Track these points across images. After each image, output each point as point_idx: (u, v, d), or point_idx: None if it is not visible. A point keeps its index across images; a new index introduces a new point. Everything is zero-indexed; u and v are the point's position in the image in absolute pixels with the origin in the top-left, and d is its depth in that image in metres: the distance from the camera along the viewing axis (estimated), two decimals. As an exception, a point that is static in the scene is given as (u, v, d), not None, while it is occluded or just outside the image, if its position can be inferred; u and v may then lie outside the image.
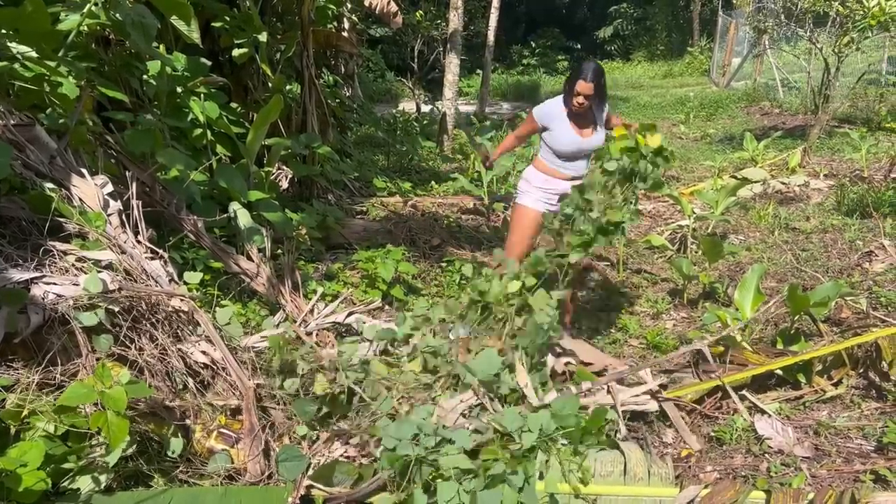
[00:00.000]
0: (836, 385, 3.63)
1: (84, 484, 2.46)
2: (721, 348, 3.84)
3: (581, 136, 4.27)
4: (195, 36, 4.39)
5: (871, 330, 3.80)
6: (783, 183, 8.41)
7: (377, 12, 9.48)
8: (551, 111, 4.31)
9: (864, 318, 4.35)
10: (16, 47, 3.43)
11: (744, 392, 3.55)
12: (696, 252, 6.16)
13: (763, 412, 3.41)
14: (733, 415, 3.42)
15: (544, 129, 4.34)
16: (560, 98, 4.31)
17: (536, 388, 3.25)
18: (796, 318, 4.13)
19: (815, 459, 3.08)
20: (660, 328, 4.74)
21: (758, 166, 9.32)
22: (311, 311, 4.33)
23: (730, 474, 3.03)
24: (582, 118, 4.29)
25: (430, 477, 2.64)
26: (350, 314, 4.20)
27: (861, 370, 3.66)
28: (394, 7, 9.55)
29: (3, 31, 3.40)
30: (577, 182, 4.16)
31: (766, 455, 3.13)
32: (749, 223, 7.16)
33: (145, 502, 2.48)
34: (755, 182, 8.32)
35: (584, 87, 4.13)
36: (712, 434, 3.33)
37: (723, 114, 16.28)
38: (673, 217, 7.61)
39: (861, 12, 10.33)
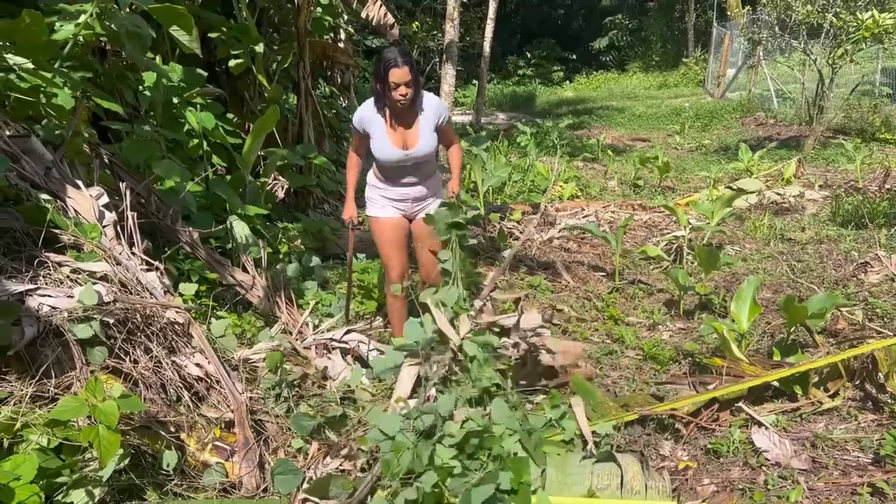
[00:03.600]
0: (832, 397, 3.62)
1: (78, 498, 2.44)
2: (718, 360, 3.84)
3: (403, 146, 3.79)
4: (196, 46, 4.40)
5: (867, 341, 3.79)
6: (778, 194, 8.44)
7: (374, 24, 9.51)
8: (369, 117, 3.79)
9: (860, 329, 4.35)
10: (12, 58, 3.42)
11: (740, 404, 3.55)
12: (691, 263, 6.16)
13: (760, 424, 3.40)
14: (730, 427, 3.41)
15: (367, 135, 3.85)
16: (372, 101, 3.76)
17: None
18: (792, 329, 4.13)
19: (813, 472, 3.07)
20: (656, 339, 4.73)
21: (753, 177, 9.36)
22: (307, 322, 4.33)
23: (727, 487, 3.02)
24: (405, 118, 3.76)
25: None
26: (348, 332, 4.19)
27: (857, 382, 3.65)
28: (391, 19, 9.58)
29: (0, 42, 3.40)
30: (417, 186, 3.92)
31: (764, 468, 3.12)
32: (745, 234, 7.17)
33: (139, 517, 2.46)
34: (750, 193, 8.35)
35: (399, 73, 3.52)
36: (709, 446, 3.32)
37: (718, 124, 16.36)
38: (669, 228, 7.62)
39: (855, 24, 10.42)
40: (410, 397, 3.29)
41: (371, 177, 4.02)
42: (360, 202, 4.17)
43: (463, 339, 3.31)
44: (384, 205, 3.99)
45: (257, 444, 2.96)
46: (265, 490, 2.84)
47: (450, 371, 3.30)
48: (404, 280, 4.05)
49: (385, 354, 3.66)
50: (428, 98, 3.88)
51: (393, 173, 3.89)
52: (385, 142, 3.76)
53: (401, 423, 2.86)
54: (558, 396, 3.29)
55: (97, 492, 2.46)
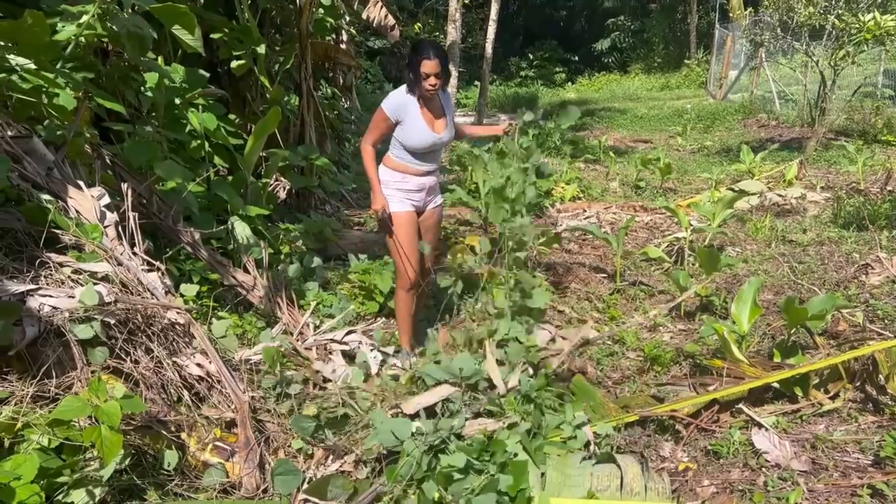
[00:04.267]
0: (833, 398, 3.62)
1: (78, 498, 2.45)
2: (718, 361, 3.84)
3: (434, 130, 3.97)
4: (199, 46, 4.40)
5: (868, 343, 3.79)
6: (780, 195, 8.43)
7: (375, 25, 9.53)
8: (404, 102, 3.92)
9: (860, 331, 4.35)
10: (14, 59, 3.43)
11: (741, 405, 3.55)
12: (693, 264, 6.16)
13: (760, 426, 3.40)
14: (730, 428, 3.41)
15: (398, 123, 3.95)
16: (404, 88, 3.95)
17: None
18: (793, 330, 4.13)
19: (813, 474, 3.07)
20: (657, 340, 4.73)
21: (755, 178, 9.35)
22: (308, 323, 4.33)
23: (727, 489, 3.02)
24: (433, 106, 3.99)
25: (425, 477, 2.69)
26: (349, 332, 4.20)
27: (858, 383, 3.65)
28: (392, 20, 9.60)
29: (2, 43, 3.41)
30: (433, 175, 4.10)
31: (764, 469, 3.12)
32: (746, 235, 7.17)
33: (139, 516, 2.47)
34: (752, 194, 8.33)
35: (430, 65, 3.77)
36: (709, 448, 3.32)
37: (720, 126, 16.35)
38: (670, 229, 7.62)
39: (857, 26, 10.41)
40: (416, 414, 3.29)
41: (384, 172, 4.04)
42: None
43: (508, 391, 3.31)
44: (401, 199, 4.04)
45: (258, 444, 2.96)
46: (265, 490, 2.84)
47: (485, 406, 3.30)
48: (418, 282, 4.12)
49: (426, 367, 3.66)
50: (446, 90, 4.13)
51: (420, 159, 4.02)
52: (422, 125, 3.91)
53: (412, 431, 2.89)
54: (579, 403, 3.29)
55: (98, 492, 2.47)
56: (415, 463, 2.74)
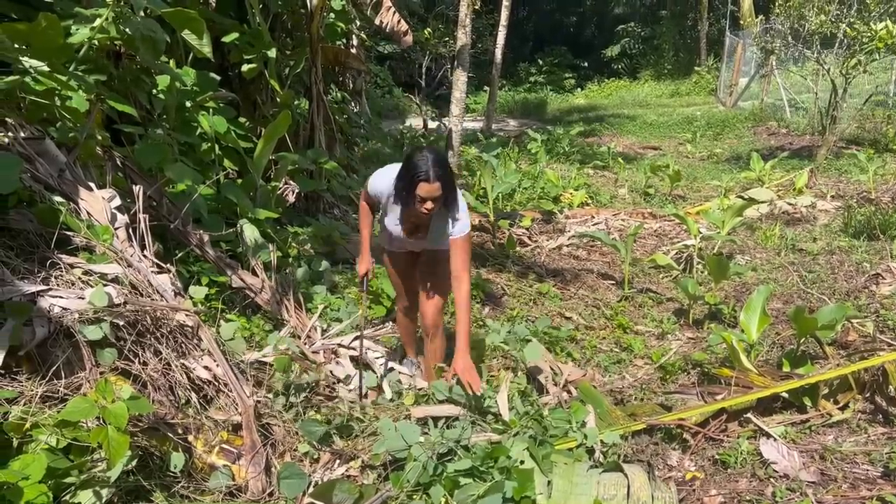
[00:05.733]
0: (842, 409, 3.60)
1: (85, 498, 2.45)
2: (726, 370, 3.82)
3: (408, 236, 3.53)
4: (207, 51, 4.43)
5: (878, 354, 3.77)
6: (790, 203, 8.40)
7: (387, 31, 9.56)
8: (387, 191, 3.37)
9: (870, 341, 4.32)
10: (28, 61, 3.46)
11: (749, 415, 3.53)
12: (701, 272, 6.14)
13: (769, 435, 3.38)
14: (738, 438, 3.39)
15: (378, 201, 3.55)
16: (395, 176, 3.26)
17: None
18: (802, 340, 4.11)
19: (821, 484, 3.04)
20: (665, 348, 4.72)
21: (764, 186, 9.32)
22: (315, 327, 4.34)
23: (734, 498, 3.00)
24: (421, 219, 3.38)
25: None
26: (356, 337, 4.20)
27: (867, 394, 3.63)
28: (404, 26, 9.63)
29: (16, 45, 3.43)
30: (424, 242, 3.59)
31: (772, 479, 3.10)
32: (755, 244, 7.14)
33: (146, 518, 2.47)
34: (762, 202, 8.31)
35: (428, 189, 3.02)
36: (717, 457, 3.30)
37: (729, 133, 16.30)
38: (679, 236, 7.60)
39: (868, 35, 10.37)
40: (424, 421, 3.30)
41: (382, 215, 3.72)
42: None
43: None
44: (391, 240, 3.74)
45: (264, 447, 2.97)
46: (271, 494, 2.84)
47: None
48: (415, 308, 4.00)
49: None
50: (457, 206, 3.32)
51: (398, 238, 3.65)
52: (396, 225, 3.52)
53: (419, 436, 2.90)
54: (582, 409, 3.29)
55: (105, 492, 2.47)
56: (421, 468, 2.75)
